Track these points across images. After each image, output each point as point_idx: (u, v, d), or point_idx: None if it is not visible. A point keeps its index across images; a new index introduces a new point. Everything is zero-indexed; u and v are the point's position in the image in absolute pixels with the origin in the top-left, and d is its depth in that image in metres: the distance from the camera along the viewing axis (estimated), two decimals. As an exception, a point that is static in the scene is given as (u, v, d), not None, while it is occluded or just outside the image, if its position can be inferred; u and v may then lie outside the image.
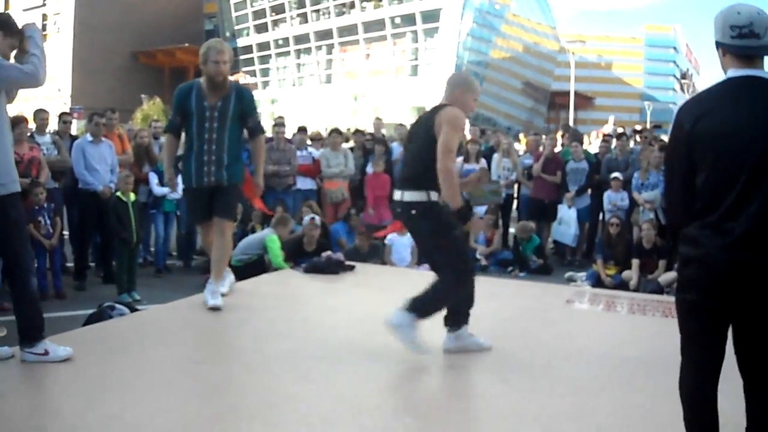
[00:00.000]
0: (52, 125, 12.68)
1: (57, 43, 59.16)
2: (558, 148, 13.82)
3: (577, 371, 5.48)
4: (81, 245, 10.19)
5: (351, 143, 14.17)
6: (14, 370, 4.89)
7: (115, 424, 4.04)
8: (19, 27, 4.97)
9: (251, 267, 9.06)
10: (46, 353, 4.96)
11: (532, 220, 12.48)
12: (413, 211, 5.48)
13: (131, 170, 10.52)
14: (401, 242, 10.88)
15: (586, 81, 66.92)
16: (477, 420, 4.42)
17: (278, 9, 64.60)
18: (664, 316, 7.36)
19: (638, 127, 20.07)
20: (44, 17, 60.85)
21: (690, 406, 3.53)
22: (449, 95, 5.88)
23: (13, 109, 5.61)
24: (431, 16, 55.27)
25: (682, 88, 74.59)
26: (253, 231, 10.91)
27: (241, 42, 66.78)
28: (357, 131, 14.81)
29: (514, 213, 14.19)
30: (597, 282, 10.70)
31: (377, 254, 10.77)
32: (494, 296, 7.84)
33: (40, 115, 10.48)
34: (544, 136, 15.14)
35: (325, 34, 61.78)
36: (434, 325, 5.60)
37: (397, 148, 13.59)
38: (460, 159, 13.34)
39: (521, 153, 14.40)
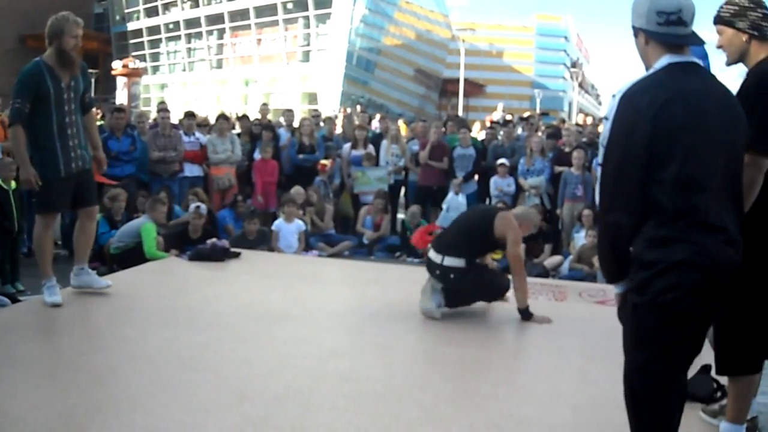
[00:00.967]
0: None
1: (-61, 25, 57.12)
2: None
3: (460, 354, 5.56)
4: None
5: (238, 129, 13.99)
6: None
7: (-10, 418, 3.94)
8: None
9: (130, 255, 8.86)
10: None
11: (420, 205, 12.57)
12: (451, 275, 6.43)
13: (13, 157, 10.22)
14: (288, 229, 10.83)
15: (478, 69, 67.69)
16: (358, 403, 4.41)
17: (169, -8, 63.56)
18: (548, 300, 7.52)
19: (526, 115, 20.43)
20: None
21: (659, 419, 3.07)
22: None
23: None
24: (323, 2, 55.02)
25: (572, 77, 76.06)
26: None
27: (131, 26, 65.36)
28: (244, 116, 14.64)
29: (402, 199, 14.24)
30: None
31: (266, 240, 10.71)
32: (379, 281, 7.92)
33: None
34: (421, 123, 15.23)
35: (216, 19, 60.92)
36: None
37: (284, 134, 13.52)
38: (347, 145, 13.37)
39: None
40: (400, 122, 14.92)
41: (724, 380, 4.19)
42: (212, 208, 11.18)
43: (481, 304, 6.79)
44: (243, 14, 59.37)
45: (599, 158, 3.17)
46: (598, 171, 3.22)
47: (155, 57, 64.61)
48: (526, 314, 6.44)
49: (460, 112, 43.03)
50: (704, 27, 3.88)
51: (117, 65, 43.18)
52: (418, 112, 53.56)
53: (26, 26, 58.84)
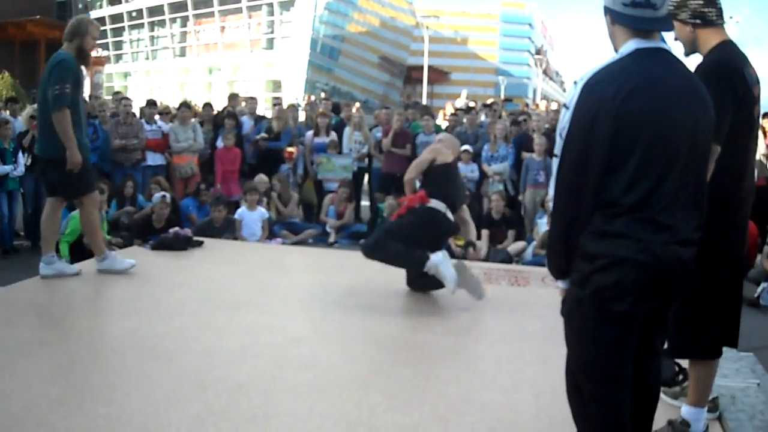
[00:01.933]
0: None
1: None
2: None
3: (423, 340, 5.57)
4: None
5: (200, 117, 13.91)
6: None
7: (-52, 410, 3.91)
8: None
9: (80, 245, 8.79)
10: None
11: (383, 192, 12.57)
12: None
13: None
14: (251, 217, 10.80)
15: (442, 56, 67.85)
16: (321, 390, 4.41)
17: (132, -20, 63.04)
18: (510, 285, 7.56)
19: (491, 100, 20.48)
20: None
21: (610, 417, 2.97)
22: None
23: None
24: (287, -11, 54.97)
25: (536, 64, 76.39)
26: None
27: (94, 14, 64.55)
28: (206, 105, 14.57)
29: (365, 186, 14.23)
30: (447, 252, 10.83)
31: (231, 228, 10.67)
32: (343, 268, 7.91)
33: None
34: (384, 110, 15.23)
35: (179, 7, 60.56)
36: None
37: (247, 122, 13.47)
38: (310, 133, 13.35)
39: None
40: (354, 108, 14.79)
41: (685, 363, 4.24)
42: (175, 196, 11.10)
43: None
44: (206, 2, 59.11)
45: (555, 148, 2.97)
46: (553, 160, 3.03)
47: (118, 45, 64.20)
48: None
49: (425, 100, 43.11)
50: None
51: (79, 53, 42.77)
52: (382, 99, 53.63)
53: (-10, 14, 58.16)
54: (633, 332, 2.90)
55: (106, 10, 63.85)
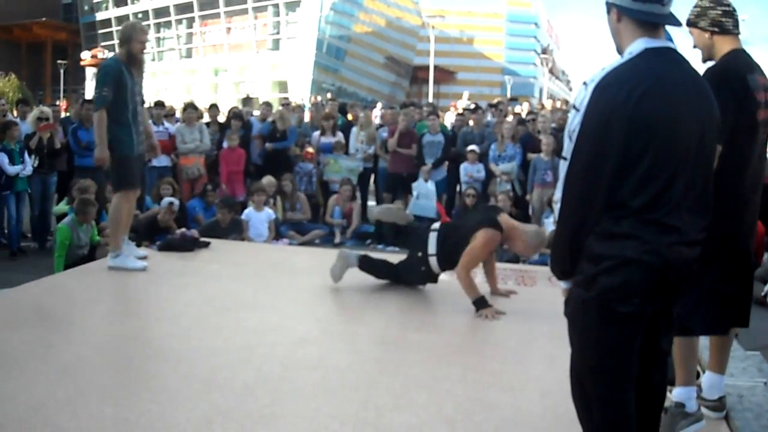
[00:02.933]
0: None
1: None
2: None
3: (429, 340, 5.57)
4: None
5: (207, 118, 13.94)
6: None
7: (-44, 411, 3.92)
8: None
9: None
10: None
11: (390, 193, 12.57)
12: None
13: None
14: (258, 217, 10.82)
15: (449, 55, 67.85)
16: (328, 390, 4.42)
17: (138, -19, 63.16)
18: (517, 284, 7.54)
19: (498, 99, 20.48)
20: None
21: (615, 417, 2.96)
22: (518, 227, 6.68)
23: None
24: (293, -10, 55.01)
25: (542, 63, 76.39)
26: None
27: (99, 16, 64.97)
28: (213, 106, 14.60)
29: (372, 186, 14.23)
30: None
31: (238, 229, 10.68)
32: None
33: None
34: (390, 110, 15.25)
35: (185, 8, 60.68)
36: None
37: (257, 124, 13.49)
38: (316, 133, 13.35)
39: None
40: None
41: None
42: (182, 198, 11.12)
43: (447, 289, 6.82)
44: (212, 3, 59.20)
45: (564, 151, 2.94)
46: (561, 162, 3.00)
47: (124, 47, 64.16)
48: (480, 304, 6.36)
49: (431, 99, 43.08)
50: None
51: (86, 55, 43.09)
52: (388, 100, 53.50)
53: (-4, 16, 58.35)
54: (638, 332, 2.88)
55: (112, 12, 64.00)
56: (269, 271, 7.85)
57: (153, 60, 63.48)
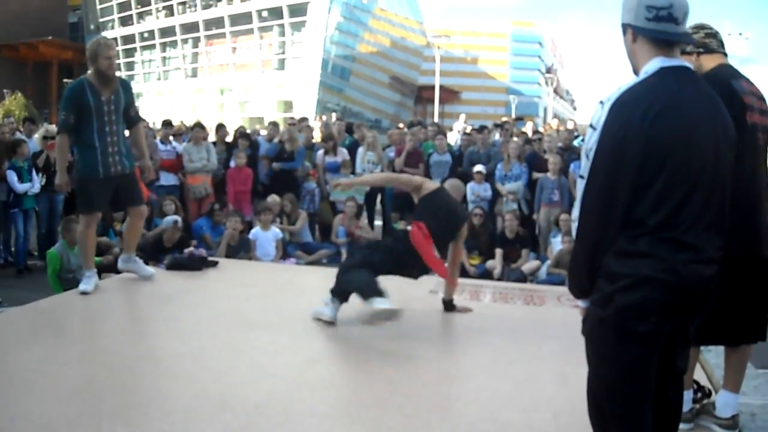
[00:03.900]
0: None
1: None
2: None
3: (440, 360, 5.57)
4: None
5: (214, 137, 13.98)
6: None
7: (-33, 430, 3.92)
8: None
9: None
10: None
11: (396, 212, 12.58)
12: None
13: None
14: (265, 237, 10.83)
15: (453, 75, 67.98)
16: (339, 410, 4.42)
17: (144, 1, 63.11)
18: (525, 304, 7.54)
19: (505, 119, 20.52)
20: None
21: (631, 429, 2.96)
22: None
23: None
24: (298, 9, 55.05)
25: (546, 83, 76.51)
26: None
27: (105, 35, 65.14)
28: (220, 125, 14.64)
29: (378, 206, 14.23)
30: (461, 272, 10.78)
31: (246, 248, 10.69)
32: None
33: None
34: (397, 130, 15.29)
35: (191, 27, 60.79)
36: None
37: (264, 144, 13.52)
38: (320, 152, 13.37)
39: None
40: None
41: (704, 380, 4.25)
42: (187, 216, 11.14)
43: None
44: (218, 23, 59.31)
45: (581, 169, 2.99)
46: (578, 180, 3.05)
47: (130, 66, 64.40)
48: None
49: (436, 119, 43.12)
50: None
51: (91, 75, 42.93)
52: (393, 120, 53.58)
53: (0, 36, 58.49)
54: (655, 350, 2.90)
55: (118, 31, 64.13)
56: (278, 291, 7.85)
57: (159, 79, 63.63)
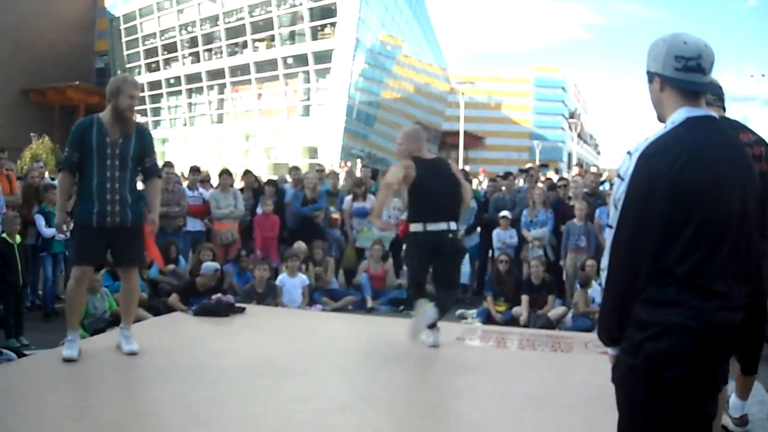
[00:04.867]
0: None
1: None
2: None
3: (468, 408, 5.55)
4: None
5: (241, 184, 14.07)
6: None
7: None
8: None
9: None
10: None
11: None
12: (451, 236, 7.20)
13: (20, 211, 10.31)
14: (292, 283, 10.85)
15: (477, 121, 68.30)
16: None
17: (170, 48, 63.99)
18: (552, 351, 7.51)
19: (529, 165, 20.58)
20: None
21: None
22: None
23: None
24: (323, 56, 55.53)
25: (570, 127, 76.64)
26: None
27: (132, 80, 65.95)
28: (247, 172, 14.73)
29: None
30: (488, 318, 10.79)
31: (273, 294, 10.70)
32: (384, 334, 7.91)
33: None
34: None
35: (217, 74, 61.42)
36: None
37: (289, 190, 13.58)
38: (348, 198, 13.41)
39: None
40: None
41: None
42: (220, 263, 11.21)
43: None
44: (243, 69, 59.91)
45: (610, 219, 3.00)
46: (606, 230, 3.05)
47: (156, 112, 65.13)
48: None
49: (461, 165, 43.21)
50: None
51: (118, 120, 43.35)
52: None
53: (28, 80, 59.39)
54: (684, 398, 2.88)
55: (145, 77, 64.86)
56: (305, 337, 7.86)
57: (185, 125, 64.22)
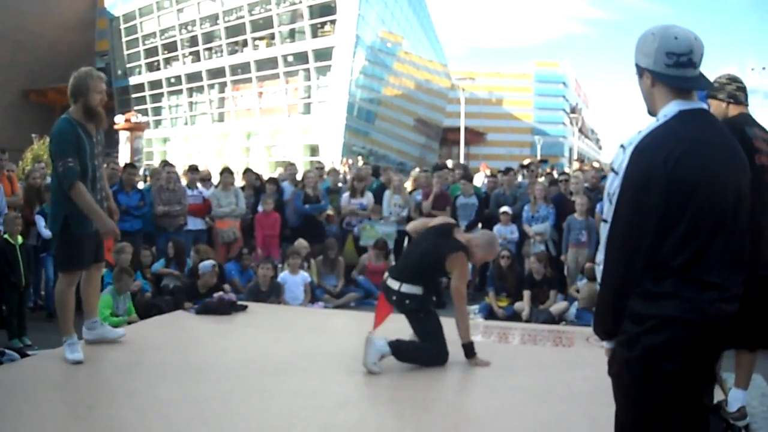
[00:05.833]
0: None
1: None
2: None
3: (470, 402, 5.57)
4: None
5: (242, 182, 14.08)
6: None
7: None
8: None
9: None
10: None
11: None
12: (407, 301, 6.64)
13: (22, 212, 10.31)
14: (294, 281, 10.85)
15: (478, 117, 68.28)
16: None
17: (170, 47, 64.00)
18: (554, 345, 7.52)
19: (529, 160, 20.59)
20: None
21: None
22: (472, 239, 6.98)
23: None
24: (324, 54, 55.51)
25: (571, 122, 76.59)
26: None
27: (133, 80, 65.96)
28: (248, 170, 14.74)
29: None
30: (490, 314, 10.79)
31: (276, 292, 10.70)
32: (387, 332, 7.90)
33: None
34: (424, 173, 15.33)
35: (217, 73, 61.42)
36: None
37: (288, 188, 13.58)
38: (346, 195, 13.42)
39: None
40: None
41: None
42: (219, 262, 11.21)
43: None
44: (244, 67, 59.91)
45: (605, 213, 3.02)
46: (601, 224, 3.08)
47: (157, 111, 65.16)
48: (469, 351, 6.62)
49: (462, 161, 43.21)
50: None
51: (119, 119, 43.39)
52: (419, 162, 53.69)
53: (29, 81, 59.41)
54: (682, 389, 2.90)
55: (145, 77, 64.94)
56: (307, 334, 7.87)
57: (186, 124, 64.20)
